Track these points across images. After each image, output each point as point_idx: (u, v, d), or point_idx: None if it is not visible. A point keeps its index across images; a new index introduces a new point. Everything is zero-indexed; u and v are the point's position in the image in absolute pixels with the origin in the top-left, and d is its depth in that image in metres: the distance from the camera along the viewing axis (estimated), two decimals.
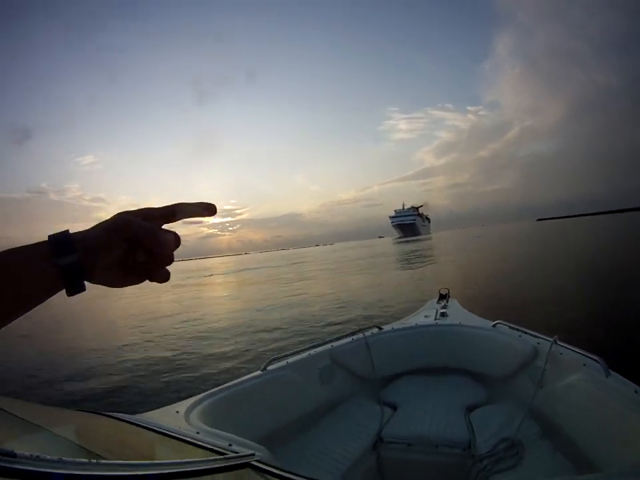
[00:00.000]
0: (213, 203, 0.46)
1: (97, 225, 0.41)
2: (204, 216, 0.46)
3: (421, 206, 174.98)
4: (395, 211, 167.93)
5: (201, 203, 0.46)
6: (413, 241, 66.33)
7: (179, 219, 0.45)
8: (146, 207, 0.44)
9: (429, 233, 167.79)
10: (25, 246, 0.38)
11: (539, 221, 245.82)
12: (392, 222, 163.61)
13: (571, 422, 1.54)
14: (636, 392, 1.36)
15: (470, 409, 1.93)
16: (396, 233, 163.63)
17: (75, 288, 0.39)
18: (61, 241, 0.38)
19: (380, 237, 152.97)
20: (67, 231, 0.39)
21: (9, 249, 0.37)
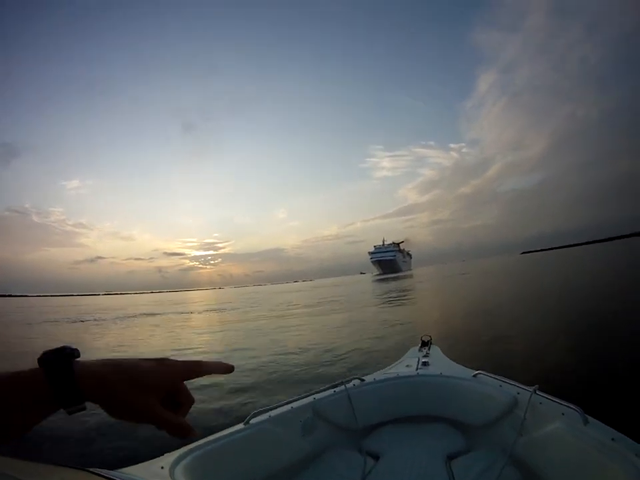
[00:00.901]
0: (232, 365, 0.51)
1: (109, 362, 0.43)
2: (221, 373, 0.51)
3: (402, 242, 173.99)
4: (375, 246, 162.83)
5: (221, 363, 0.51)
6: (392, 279, 63.83)
7: (198, 377, 0.49)
8: (168, 359, 0.47)
9: (410, 269, 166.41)
10: (20, 372, 0.39)
11: (524, 254, 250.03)
12: (371, 258, 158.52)
13: (551, 470, 1.62)
14: (613, 439, 1.42)
15: (451, 457, 1.97)
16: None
17: (75, 409, 0.41)
18: (59, 368, 0.39)
19: (362, 273, 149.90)
20: (65, 348, 0.41)
21: (3, 374, 0.38)
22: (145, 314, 27.19)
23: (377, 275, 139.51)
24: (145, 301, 63.68)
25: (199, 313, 26.97)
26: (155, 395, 0.45)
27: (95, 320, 22.92)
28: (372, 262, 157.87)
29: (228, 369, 0.51)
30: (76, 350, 0.43)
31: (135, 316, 25.15)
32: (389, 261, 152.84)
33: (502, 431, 2.00)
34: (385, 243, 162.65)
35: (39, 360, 0.40)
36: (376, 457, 2.04)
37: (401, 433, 2.24)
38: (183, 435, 0.46)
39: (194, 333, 14.13)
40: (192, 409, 0.50)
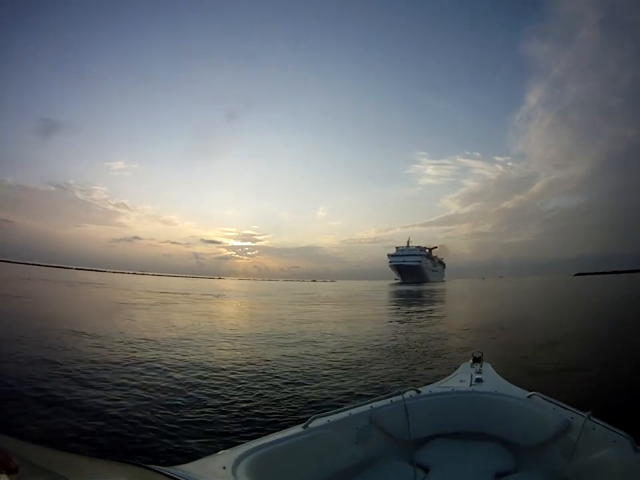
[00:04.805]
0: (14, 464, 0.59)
1: None
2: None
3: (435, 247, 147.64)
4: (397, 247, 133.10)
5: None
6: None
7: None
8: None
9: (443, 280, 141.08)
10: None
11: (578, 276, 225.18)
12: (390, 262, 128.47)
13: None
14: None
15: (499, 475, 2.14)
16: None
17: None
18: None
19: (396, 279, 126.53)
20: None
21: None
22: None
23: (397, 283, 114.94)
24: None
25: None
26: None
27: None
28: (390, 266, 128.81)
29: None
30: None
31: None
32: (412, 267, 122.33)
33: (552, 454, 2.16)
34: (410, 245, 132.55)
35: None
36: (426, 470, 2.24)
37: (452, 447, 2.44)
38: None
39: None
40: None
